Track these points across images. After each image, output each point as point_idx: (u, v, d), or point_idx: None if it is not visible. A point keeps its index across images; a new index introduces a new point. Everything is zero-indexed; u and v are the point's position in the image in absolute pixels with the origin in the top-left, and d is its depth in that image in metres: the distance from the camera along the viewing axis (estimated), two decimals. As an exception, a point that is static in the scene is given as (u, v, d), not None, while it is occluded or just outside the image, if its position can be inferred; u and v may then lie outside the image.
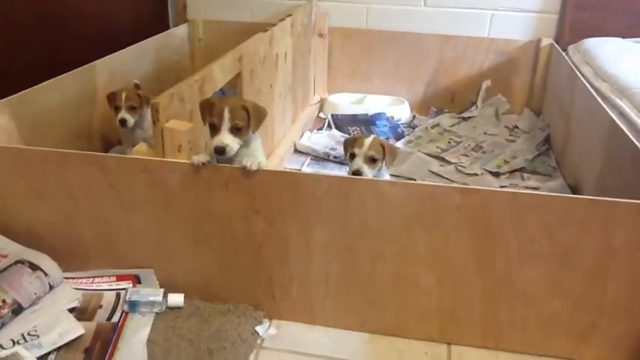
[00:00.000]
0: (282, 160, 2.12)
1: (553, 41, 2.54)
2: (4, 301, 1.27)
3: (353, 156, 1.47)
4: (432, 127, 2.56)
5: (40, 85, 1.73)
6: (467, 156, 2.30)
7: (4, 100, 1.58)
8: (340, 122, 2.58)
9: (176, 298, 1.39)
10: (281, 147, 2.18)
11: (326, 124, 2.59)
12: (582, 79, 1.97)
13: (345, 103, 2.74)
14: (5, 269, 1.34)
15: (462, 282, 1.26)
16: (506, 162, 2.22)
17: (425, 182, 1.38)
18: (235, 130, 1.30)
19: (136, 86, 2.08)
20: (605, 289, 1.20)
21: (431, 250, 1.24)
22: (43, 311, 1.32)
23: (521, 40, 2.61)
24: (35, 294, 1.33)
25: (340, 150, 2.00)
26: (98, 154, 1.33)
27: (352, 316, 1.35)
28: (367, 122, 2.57)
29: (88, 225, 1.38)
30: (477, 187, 1.19)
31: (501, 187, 2.02)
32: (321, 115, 2.72)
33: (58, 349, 1.24)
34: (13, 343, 1.22)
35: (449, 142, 2.43)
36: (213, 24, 2.78)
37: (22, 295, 1.30)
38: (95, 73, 1.98)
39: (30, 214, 1.40)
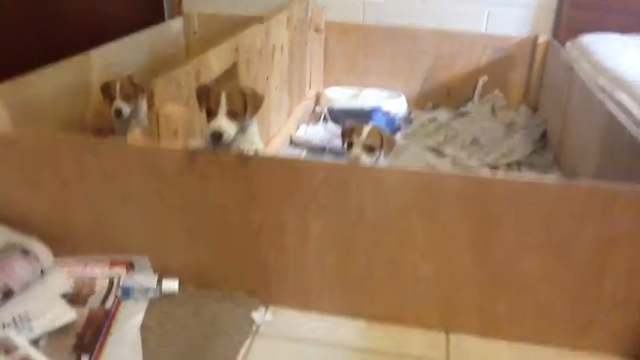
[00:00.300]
0: (277, 153, 2.11)
1: (550, 37, 2.54)
2: (-6, 285, 1.25)
3: (351, 145, 1.46)
4: (429, 122, 2.56)
5: (33, 72, 1.70)
6: (464, 150, 2.29)
7: (-3, 87, 1.56)
8: (336, 116, 2.57)
9: (170, 285, 1.37)
10: (277, 139, 2.16)
11: (322, 118, 2.58)
12: (580, 73, 1.97)
13: (342, 97, 2.73)
14: (-4, 254, 1.32)
15: (460, 271, 1.24)
16: (504, 156, 2.21)
17: (423, 169, 1.37)
18: (232, 115, 1.28)
19: (130, 78, 2.06)
20: (604, 280, 1.19)
21: (429, 239, 1.23)
22: (34, 296, 1.29)
23: (518, 36, 2.61)
24: (27, 279, 1.31)
25: (337, 142, 2.00)
26: (92, 139, 1.31)
27: (349, 305, 1.34)
28: (363, 116, 2.55)
29: (81, 212, 1.36)
30: (476, 175, 1.18)
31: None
32: (317, 109, 2.71)
33: (50, 334, 1.22)
34: (4, 326, 1.20)
35: (445, 137, 2.42)
36: (209, 17, 2.76)
37: (13, 280, 1.28)
38: (89, 64, 1.96)
39: (22, 201, 1.38)
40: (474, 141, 2.39)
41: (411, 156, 2.20)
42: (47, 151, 1.31)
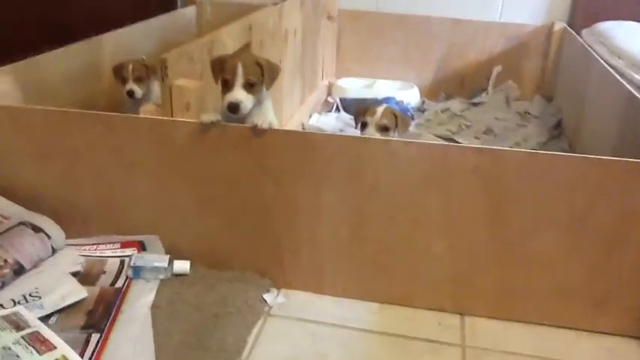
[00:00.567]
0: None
1: (566, 25, 2.50)
2: (5, 261, 1.24)
3: (365, 125, 1.44)
4: (442, 112, 2.53)
5: (45, 54, 1.70)
6: (478, 139, 2.27)
7: (8, 66, 1.55)
8: (348, 105, 2.55)
9: (182, 265, 1.35)
10: (288, 126, 2.14)
11: (334, 107, 2.56)
12: (597, 57, 1.94)
13: (354, 87, 2.70)
14: (7, 230, 1.31)
15: (476, 248, 1.22)
16: (518, 144, 2.18)
17: (438, 142, 1.35)
18: (249, 87, 1.27)
19: (142, 60, 2.05)
20: (623, 255, 1.16)
21: (444, 214, 1.20)
22: (45, 273, 1.28)
23: (533, 24, 2.58)
24: (37, 256, 1.30)
25: (349, 131, 1.98)
26: (103, 113, 1.30)
27: (362, 285, 1.31)
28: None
29: (92, 187, 1.35)
30: (493, 147, 1.15)
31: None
32: (329, 99, 2.69)
33: (60, 311, 1.20)
34: (14, 303, 1.19)
35: (459, 126, 2.40)
36: (222, 6, 2.75)
37: (24, 256, 1.27)
38: (101, 47, 1.95)
39: (32, 176, 1.37)
40: (488, 130, 2.36)
41: (424, 143, 2.17)
42: (58, 125, 1.30)
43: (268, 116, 1.29)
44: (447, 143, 1.23)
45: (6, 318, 1.13)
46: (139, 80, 1.82)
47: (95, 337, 1.15)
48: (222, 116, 1.24)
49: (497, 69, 2.67)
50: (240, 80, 1.25)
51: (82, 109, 1.31)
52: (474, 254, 1.23)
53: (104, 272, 1.35)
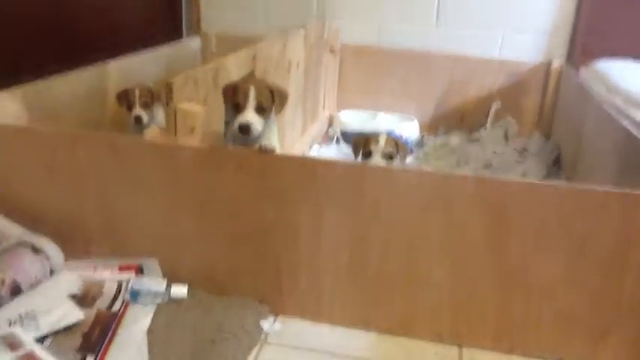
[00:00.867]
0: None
1: (564, 62, 2.55)
2: (2, 281, 1.23)
3: (369, 154, 1.45)
4: (441, 146, 2.55)
5: (52, 78, 1.73)
6: (476, 173, 2.28)
7: (17, 88, 1.57)
8: (349, 138, 2.57)
9: (179, 290, 1.35)
10: (289, 155, 2.16)
11: (335, 139, 2.58)
12: (595, 95, 1.97)
13: (354, 120, 2.73)
14: (6, 250, 1.31)
15: (475, 275, 1.22)
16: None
17: (438, 171, 1.36)
18: (260, 110, 1.31)
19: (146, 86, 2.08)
20: (624, 283, 1.16)
21: (443, 241, 1.21)
22: (42, 294, 1.28)
23: (532, 61, 2.62)
24: (35, 277, 1.30)
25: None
26: (108, 133, 1.31)
27: (360, 313, 1.31)
28: (376, 138, 2.56)
29: (94, 208, 1.36)
30: (493, 177, 1.16)
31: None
32: (330, 130, 2.71)
33: (56, 332, 1.20)
34: (10, 323, 1.18)
35: (458, 161, 2.41)
36: (227, 38, 2.80)
37: (22, 276, 1.27)
38: (107, 73, 1.99)
39: (37, 196, 1.38)
40: (487, 165, 2.38)
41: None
42: (64, 144, 1.32)
43: (273, 141, 1.30)
44: (447, 172, 1.24)
45: (1, 338, 1.12)
46: (145, 106, 1.84)
47: (90, 359, 1.14)
48: (230, 141, 1.26)
49: (495, 104, 2.70)
50: (252, 103, 1.29)
51: (89, 131, 1.33)
52: (474, 282, 1.23)
53: (101, 295, 1.34)
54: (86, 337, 1.20)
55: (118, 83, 2.01)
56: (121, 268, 1.40)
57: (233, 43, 2.72)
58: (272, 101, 1.34)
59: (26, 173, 1.36)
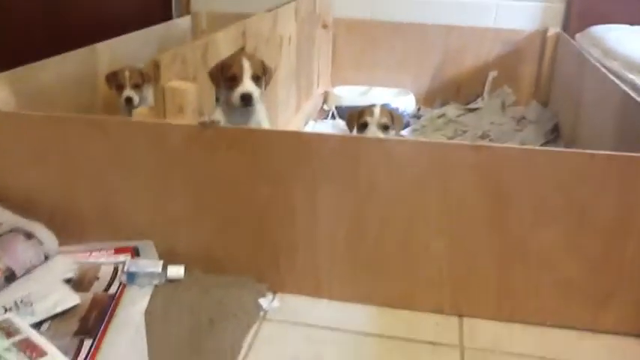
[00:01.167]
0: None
1: (560, 30, 2.51)
2: (-4, 267, 1.22)
3: (364, 125, 1.43)
4: (438, 117, 2.53)
5: (41, 62, 1.70)
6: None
7: (5, 73, 1.54)
8: (344, 113, 2.53)
9: (176, 270, 1.33)
10: (284, 133, 2.14)
11: (330, 115, 2.56)
12: (592, 60, 1.94)
13: (349, 95, 2.70)
14: (-1, 237, 1.29)
15: (475, 246, 1.20)
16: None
17: (435, 140, 1.34)
18: (255, 79, 1.34)
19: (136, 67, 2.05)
20: (625, 250, 1.15)
21: (442, 213, 1.19)
22: (37, 280, 1.26)
23: (528, 29, 2.59)
24: (30, 262, 1.28)
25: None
26: (98, 117, 1.29)
27: (359, 287, 1.29)
28: (372, 113, 2.53)
29: (87, 192, 1.34)
30: (490, 144, 1.14)
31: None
32: (325, 107, 2.69)
33: (53, 317, 1.18)
34: (5, 310, 1.17)
35: (455, 131, 2.39)
36: (217, 16, 2.75)
37: (16, 262, 1.25)
38: (97, 55, 1.95)
39: (29, 182, 1.36)
40: (484, 135, 2.36)
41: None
42: (53, 129, 1.29)
43: (262, 120, 1.29)
44: (444, 142, 1.22)
45: (-3, 324, 1.11)
46: (135, 87, 1.82)
47: (88, 342, 1.13)
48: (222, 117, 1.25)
49: (492, 74, 2.67)
50: (248, 73, 1.33)
51: (79, 114, 1.31)
52: (473, 253, 1.21)
53: (97, 278, 1.32)
54: (83, 321, 1.19)
55: (109, 65, 1.98)
56: (117, 251, 1.39)
57: (224, 21, 2.68)
58: (264, 72, 1.37)
59: (16, 159, 1.34)
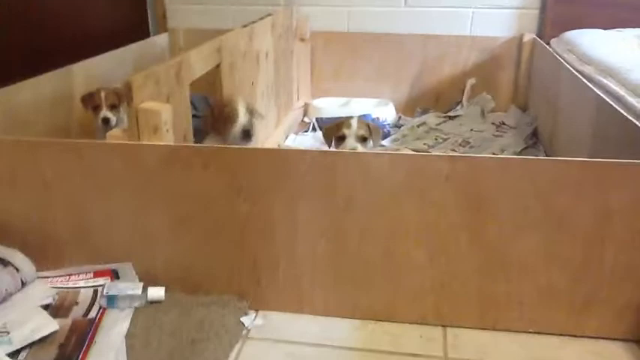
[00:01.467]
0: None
1: (535, 36, 2.54)
2: (-29, 296, 1.20)
3: (343, 138, 1.43)
4: (418, 126, 2.54)
5: (16, 85, 1.68)
6: (455, 151, 2.27)
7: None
8: (325, 125, 2.54)
9: (156, 292, 1.32)
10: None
11: (310, 127, 2.56)
12: (567, 65, 1.96)
13: (330, 107, 2.71)
14: (-26, 265, 1.27)
15: (455, 256, 1.20)
16: (495, 154, 2.18)
17: (411, 152, 1.35)
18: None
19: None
20: (604, 255, 1.15)
21: (421, 224, 1.19)
22: (14, 307, 1.24)
23: (504, 36, 2.61)
24: (6, 290, 1.26)
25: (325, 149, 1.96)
26: (71, 140, 1.27)
27: (341, 301, 1.29)
28: (352, 124, 2.53)
29: (63, 216, 1.32)
30: (466, 155, 1.15)
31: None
32: (306, 119, 2.69)
33: (31, 345, 1.16)
34: (-19, 339, 1.15)
35: (435, 139, 2.40)
36: (195, 33, 2.75)
37: (-8, 291, 1.23)
38: (72, 76, 1.94)
39: (2, 207, 1.33)
40: (464, 142, 2.37)
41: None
42: (26, 153, 1.27)
43: None
44: (420, 153, 1.22)
45: (-27, 355, 1.09)
46: (112, 107, 1.81)
47: (67, 369, 1.11)
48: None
49: (470, 81, 2.69)
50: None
51: (53, 139, 1.29)
52: (455, 263, 1.21)
53: (77, 303, 1.31)
54: (62, 347, 1.17)
55: (85, 86, 1.97)
56: (96, 274, 1.37)
57: (202, 38, 2.69)
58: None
59: (-11, 185, 1.32)
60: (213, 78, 1.68)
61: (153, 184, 1.25)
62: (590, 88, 1.64)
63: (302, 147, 2.29)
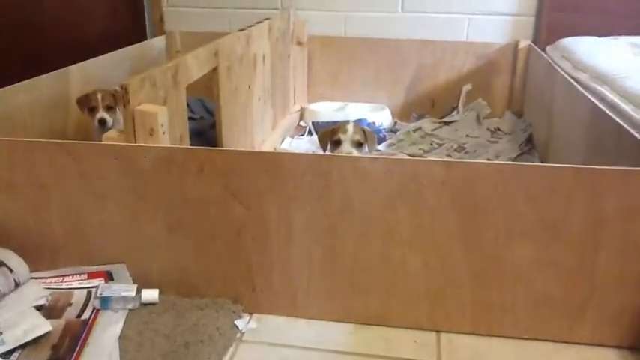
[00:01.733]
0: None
1: (531, 43, 2.55)
2: (-35, 297, 1.20)
3: (338, 143, 1.44)
4: (414, 131, 2.54)
5: (12, 86, 1.68)
6: (450, 157, 2.27)
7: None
8: (321, 128, 2.55)
9: (150, 294, 1.32)
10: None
11: (307, 131, 2.56)
12: (561, 72, 1.97)
13: (326, 111, 2.71)
14: (-33, 265, 1.27)
15: (450, 262, 1.20)
16: (490, 161, 2.19)
17: (407, 157, 1.35)
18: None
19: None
20: (598, 262, 1.16)
21: (416, 229, 1.19)
22: (7, 308, 1.24)
23: (500, 42, 2.62)
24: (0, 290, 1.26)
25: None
26: (67, 141, 1.27)
27: (335, 305, 1.29)
28: (348, 128, 2.54)
29: (58, 218, 1.32)
30: (461, 161, 1.15)
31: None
32: (302, 123, 2.69)
33: (24, 346, 1.16)
34: (-26, 340, 1.15)
35: (431, 145, 2.41)
36: (191, 36, 2.76)
37: (-15, 291, 1.23)
38: (69, 79, 1.94)
39: (-3, 209, 1.34)
40: (459, 148, 2.37)
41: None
42: (22, 155, 1.27)
43: None
44: (415, 158, 1.22)
45: (-35, 355, 1.08)
46: (108, 109, 1.81)
47: (60, 371, 1.11)
48: None
49: (466, 87, 2.70)
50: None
51: (48, 140, 1.29)
52: (449, 268, 1.21)
53: (70, 304, 1.31)
54: (55, 348, 1.17)
55: (81, 88, 1.97)
56: (90, 276, 1.37)
57: (198, 41, 2.69)
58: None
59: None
60: (210, 81, 1.68)
61: (148, 187, 1.25)
62: (585, 95, 1.65)
63: (298, 151, 2.29)
